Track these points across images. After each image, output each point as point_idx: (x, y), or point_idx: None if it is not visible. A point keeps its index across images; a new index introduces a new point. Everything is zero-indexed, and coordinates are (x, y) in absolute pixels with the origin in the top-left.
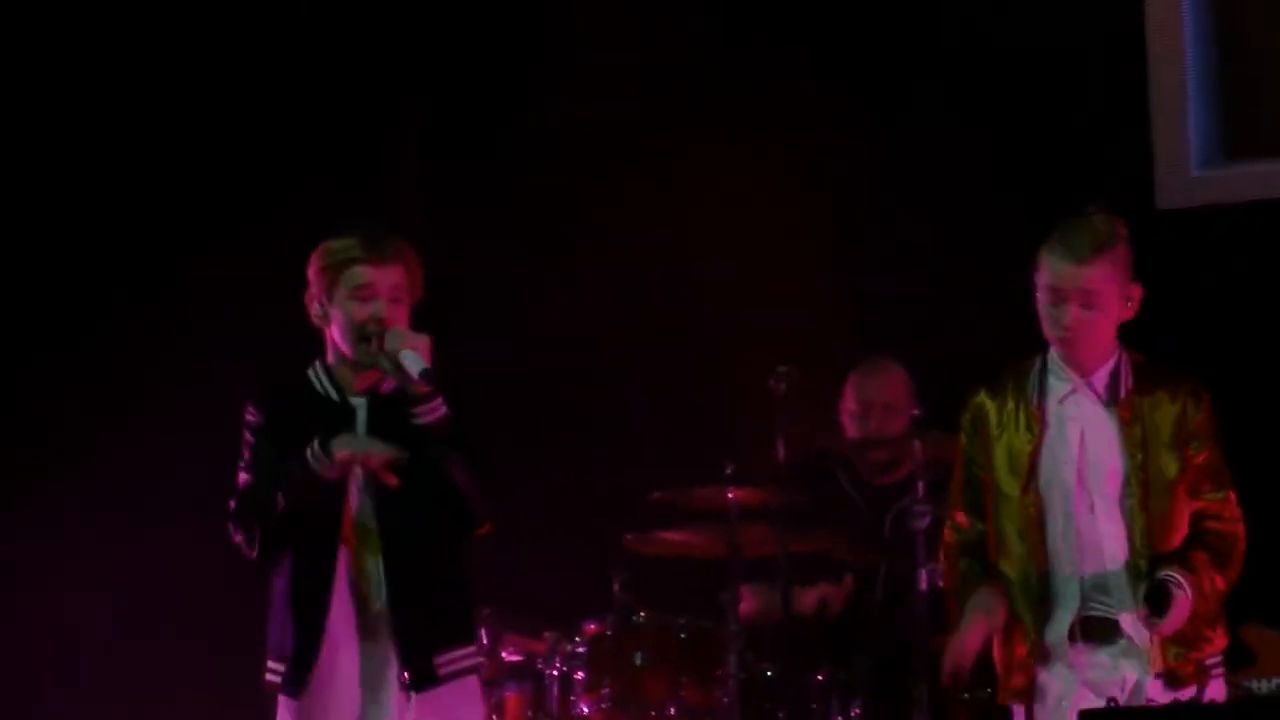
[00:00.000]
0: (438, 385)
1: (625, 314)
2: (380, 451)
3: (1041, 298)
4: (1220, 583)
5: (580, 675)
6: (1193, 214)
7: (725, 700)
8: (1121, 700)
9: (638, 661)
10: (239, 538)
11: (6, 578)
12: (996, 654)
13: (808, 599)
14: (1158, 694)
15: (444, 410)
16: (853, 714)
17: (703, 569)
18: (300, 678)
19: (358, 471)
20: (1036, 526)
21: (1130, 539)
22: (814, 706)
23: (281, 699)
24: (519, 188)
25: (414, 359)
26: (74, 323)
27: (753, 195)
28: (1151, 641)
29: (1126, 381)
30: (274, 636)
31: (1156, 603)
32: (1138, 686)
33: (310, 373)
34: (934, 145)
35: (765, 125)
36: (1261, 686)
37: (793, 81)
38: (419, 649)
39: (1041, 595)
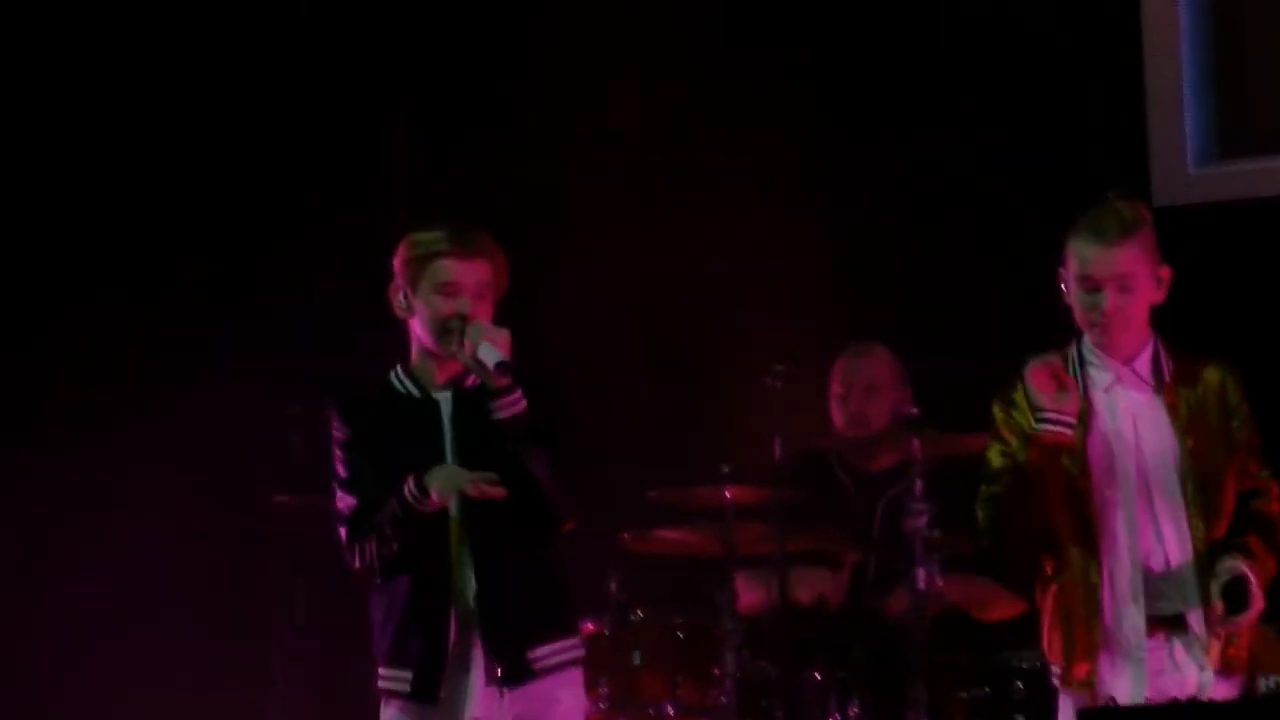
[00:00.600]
0: (514, 378)
1: (620, 312)
2: (473, 481)
3: (1074, 288)
4: (1273, 566)
5: None
6: (1189, 211)
7: (723, 699)
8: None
9: (635, 661)
10: (358, 563)
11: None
12: (1049, 642)
13: (806, 589)
14: (1215, 692)
15: (523, 405)
16: (850, 713)
17: (700, 568)
18: (433, 684)
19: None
20: (1097, 518)
21: (1191, 527)
22: (811, 705)
23: (394, 703)
24: (512, 187)
25: (491, 351)
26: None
27: (749, 193)
28: (1215, 636)
29: (1168, 365)
30: (390, 643)
31: (1235, 599)
32: (1200, 688)
33: (391, 375)
34: (928, 142)
35: (762, 123)
36: (1262, 685)
37: (788, 79)
38: (511, 643)
39: (1105, 587)
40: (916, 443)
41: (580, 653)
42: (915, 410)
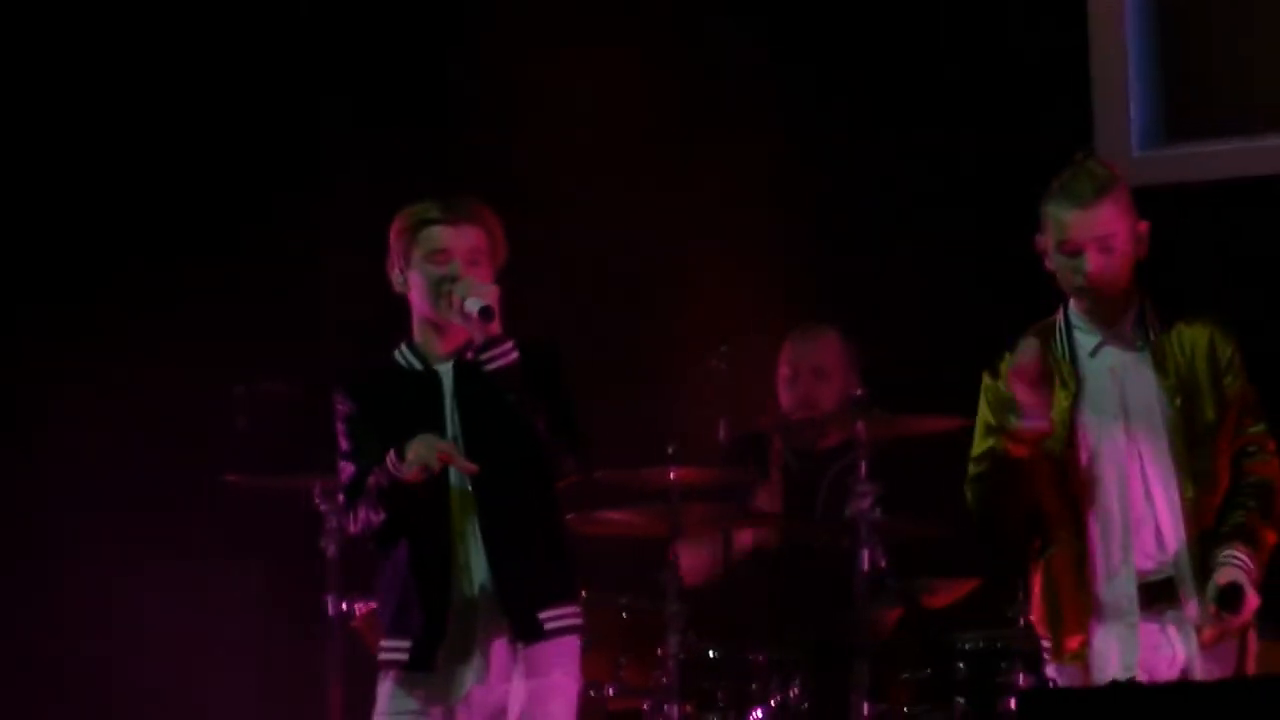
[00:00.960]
0: (516, 339)
1: (565, 293)
2: (440, 450)
3: (1054, 255)
4: (1272, 538)
5: None
6: (1134, 194)
7: (665, 680)
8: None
9: None
10: (354, 529)
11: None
12: (1039, 615)
13: (743, 539)
14: (1202, 670)
15: (514, 356)
16: (792, 694)
17: (644, 549)
18: (430, 655)
19: (455, 434)
20: (1086, 485)
21: (1181, 488)
22: (754, 686)
23: (391, 674)
24: (453, 168)
25: (475, 302)
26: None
27: (695, 175)
28: (1206, 613)
29: (1155, 324)
30: (391, 614)
31: (1229, 600)
32: (1187, 667)
33: (396, 352)
34: (872, 124)
35: (711, 102)
36: None
37: (739, 58)
38: (523, 603)
39: (1095, 552)
40: (861, 424)
41: (580, 620)
42: (861, 391)
